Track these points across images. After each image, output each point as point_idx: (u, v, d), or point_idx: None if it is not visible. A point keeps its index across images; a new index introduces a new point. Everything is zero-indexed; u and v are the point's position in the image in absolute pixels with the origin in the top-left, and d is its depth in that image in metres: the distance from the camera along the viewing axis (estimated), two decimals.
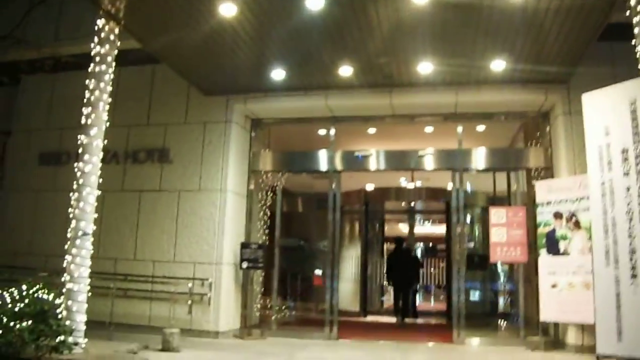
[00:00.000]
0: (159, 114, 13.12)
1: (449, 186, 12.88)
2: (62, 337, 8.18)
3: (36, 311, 8.27)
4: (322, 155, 13.10)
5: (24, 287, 9.72)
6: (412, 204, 22.03)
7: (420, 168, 12.90)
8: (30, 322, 8.08)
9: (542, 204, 10.83)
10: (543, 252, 10.66)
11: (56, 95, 14.33)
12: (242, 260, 12.13)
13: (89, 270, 8.93)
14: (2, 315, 8.03)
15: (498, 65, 10.51)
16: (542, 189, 10.91)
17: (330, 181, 13.03)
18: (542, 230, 10.74)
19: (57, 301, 9.39)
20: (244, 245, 12.28)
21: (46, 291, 9.64)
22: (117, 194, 12.67)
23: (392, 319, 17.47)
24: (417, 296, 19.18)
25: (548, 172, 11.81)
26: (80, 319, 8.69)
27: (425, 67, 10.74)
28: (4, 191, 14.60)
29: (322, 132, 13.55)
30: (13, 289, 9.57)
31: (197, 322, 11.69)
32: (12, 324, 7.89)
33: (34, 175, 14.10)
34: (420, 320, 17.89)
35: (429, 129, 13.97)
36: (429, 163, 12.65)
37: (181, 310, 11.70)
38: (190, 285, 11.68)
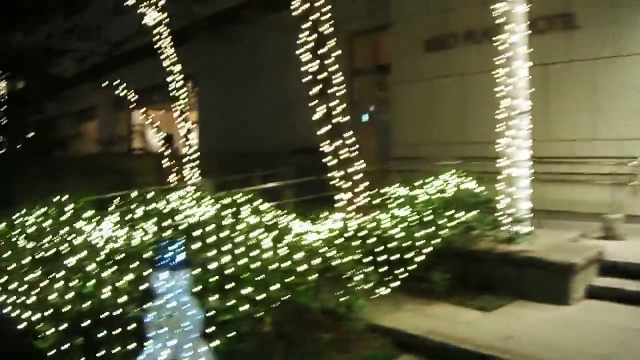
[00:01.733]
0: None
1: None
2: (514, 228, 7.44)
3: (480, 200, 7.62)
4: None
5: (445, 176, 9.30)
6: None
7: None
8: (476, 212, 7.46)
9: None
10: None
11: None
12: None
13: (530, 152, 7.93)
14: (442, 206, 7.52)
15: None
16: None
17: None
18: None
19: (477, 189, 8.81)
20: None
21: (468, 179, 9.14)
22: None
23: None
24: None
25: None
26: (524, 206, 7.82)
27: None
28: (394, 84, 14.45)
29: None
30: (432, 179, 9.20)
31: (626, 206, 10.10)
32: (458, 215, 7.31)
33: (421, 63, 13.62)
34: None
35: None
36: None
37: (604, 193, 10.30)
38: (616, 165, 10.17)
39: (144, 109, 15.68)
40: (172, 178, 13.66)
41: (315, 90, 7.85)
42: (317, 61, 7.72)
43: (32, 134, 19.91)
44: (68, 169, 13.64)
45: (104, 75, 19.30)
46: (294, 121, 16.00)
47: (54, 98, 20.10)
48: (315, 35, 7.73)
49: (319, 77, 7.74)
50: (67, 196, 7.39)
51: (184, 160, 13.77)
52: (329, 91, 7.79)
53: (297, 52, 7.83)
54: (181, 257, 4.48)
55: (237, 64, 18.87)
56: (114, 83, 16.97)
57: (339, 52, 7.84)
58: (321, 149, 7.61)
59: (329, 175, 8.05)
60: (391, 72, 14.53)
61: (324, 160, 7.86)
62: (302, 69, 7.83)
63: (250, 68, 18.22)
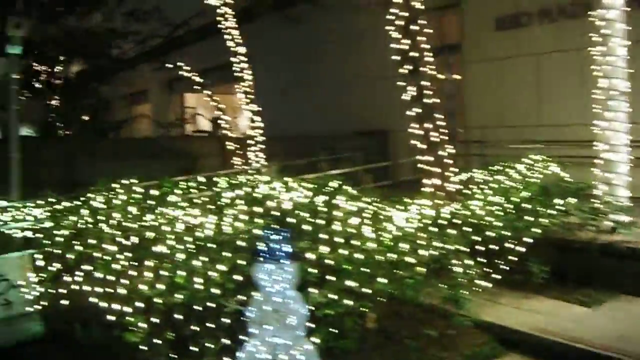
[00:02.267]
0: None
1: None
2: (614, 216, 6.95)
3: (580, 187, 7.15)
4: None
5: (528, 160, 8.88)
6: None
7: None
8: (574, 200, 6.98)
9: None
10: None
11: None
12: None
13: (629, 137, 7.40)
14: (539, 193, 7.06)
15: None
16: None
17: None
18: None
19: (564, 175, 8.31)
20: None
21: (553, 165, 8.68)
22: None
23: None
24: None
25: None
26: (624, 193, 7.31)
27: None
28: (463, 64, 13.93)
29: None
30: (514, 163, 8.79)
31: None
32: (556, 201, 6.84)
33: (491, 42, 13.08)
34: None
35: None
36: None
37: None
38: None
39: (209, 91, 15.36)
40: (237, 161, 13.36)
41: (403, 69, 7.45)
42: (399, 39, 7.33)
43: (87, 117, 19.99)
44: (127, 151, 13.43)
45: (160, 57, 19.10)
46: (356, 103, 15.62)
47: (109, 81, 20.09)
48: (392, 12, 7.31)
49: (409, 54, 7.36)
50: (135, 180, 7.12)
51: (248, 142, 13.50)
52: (421, 69, 7.37)
53: (386, 28, 7.46)
54: (287, 247, 4.18)
55: (296, 45, 18.40)
56: (173, 65, 16.73)
57: (431, 30, 7.40)
58: (388, 132, 7.19)
59: (417, 158, 7.63)
60: (460, 52, 14.00)
61: (390, 142, 7.44)
62: (392, 46, 7.43)
63: (310, 49, 17.75)
